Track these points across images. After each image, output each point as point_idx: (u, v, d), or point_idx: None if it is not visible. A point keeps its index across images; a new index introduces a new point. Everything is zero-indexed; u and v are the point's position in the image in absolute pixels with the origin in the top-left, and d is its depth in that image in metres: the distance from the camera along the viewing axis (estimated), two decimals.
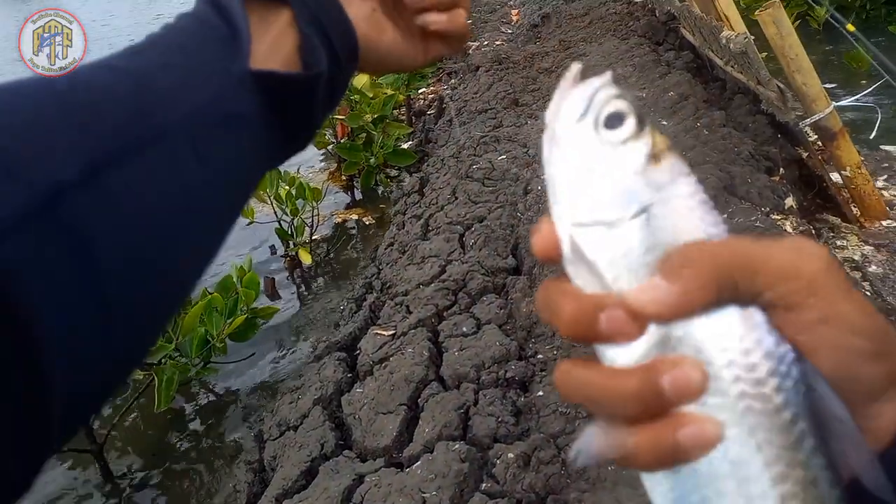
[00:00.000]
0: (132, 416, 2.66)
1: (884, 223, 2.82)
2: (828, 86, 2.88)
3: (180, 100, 0.34)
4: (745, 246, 0.29)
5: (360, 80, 4.46)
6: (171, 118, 0.33)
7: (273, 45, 0.39)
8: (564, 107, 0.32)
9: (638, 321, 0.28)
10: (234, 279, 2.76)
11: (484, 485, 1.65)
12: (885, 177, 3.22)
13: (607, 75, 0.33)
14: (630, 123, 0.31)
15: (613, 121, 0.31)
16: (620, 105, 0.31)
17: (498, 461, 1.69)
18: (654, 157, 0.31)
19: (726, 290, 0.28)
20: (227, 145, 0.36)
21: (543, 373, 2.06)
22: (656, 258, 0.29)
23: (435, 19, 0.49)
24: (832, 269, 0.28)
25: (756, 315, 0.28)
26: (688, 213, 0.30)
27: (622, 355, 0.30)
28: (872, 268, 2.58)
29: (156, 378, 2.31)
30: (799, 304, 0.27)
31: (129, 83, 0.33)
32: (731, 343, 0.28)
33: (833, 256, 0.26)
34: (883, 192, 3.03)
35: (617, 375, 0.28)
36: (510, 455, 1.68)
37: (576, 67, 0.33)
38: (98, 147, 0.29)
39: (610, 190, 0.30)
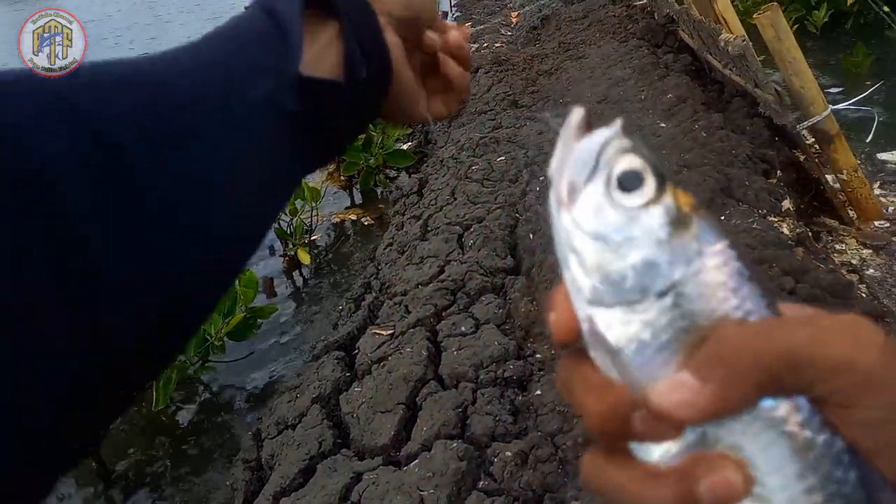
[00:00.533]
0: (130, 413, 2.66)
1: (877, 223, 2.83)
2: (825, 89, 2.90)
3: (235, 93, 0.37)
4: (790, 333, 0.25)
5: None
6: (227, 107, 0.36)
7: (320, 54, 0.41)
8: (570, 164, 0.27)
9: (672, 423, 0.25)
10: None
11: (481, 483, 1.66)
12: (879, 183, 3.23)
13: (617, 124, 0.28)
14: (648, 184, 0.26)
15: (628, 181, 0.26)
16: (635, 162, 0.26)
17: (496, 459, 1.70)
18: (678, 223, 0.26)
19: (768, 387, 0.24)
20: (273, 141, 0.39)
21: (541, 372, 2.07)
22: (688, 342, 0.25)
23: (451, 68, 0.50)
24: (893, 358, 0.24)
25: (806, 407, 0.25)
26: (721, 289, 0.26)
27: (656, 450, 0.26)
28: (870, 271, 2.59)
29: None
30: (855, 400, 0.24)
31: (191, 73, 0.37)
32: None
33: (893, 341, 0.24)
34: (881, 198, 3.05)
35: (650, 479, 0.25)
36: (508, 453, 1.69)
37: (579, 114, 0.28)
38: (160, 122, 0.33)
39: (628, 265, 0.26)
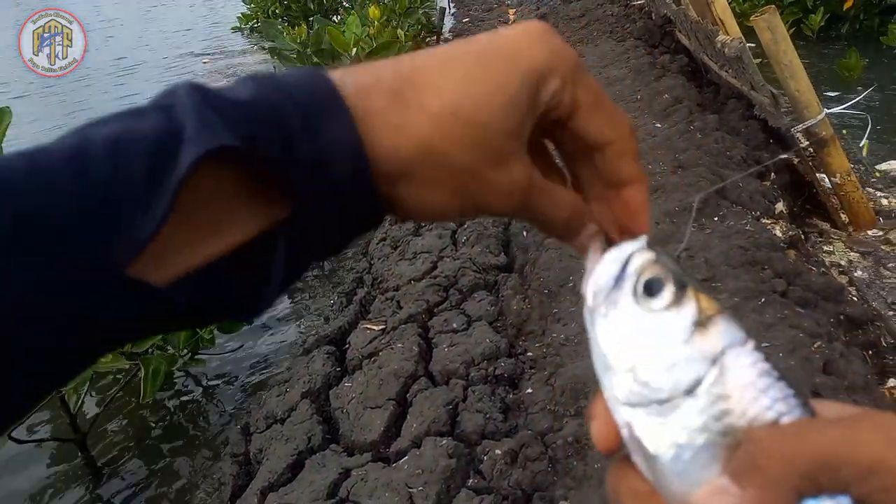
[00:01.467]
0: (117, 406, 2.64)
1: (870, 232, 2.84)
2: (820, 93, 2.91)
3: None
4: (822, 435, 0.25)
5: None
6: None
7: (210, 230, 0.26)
8: (599, 275, 0.30)
9: None
10: None
11: (471, 481, 1.66)
12: (879, 190, 3.25)
13: (642, 239, 0.30)
14: (669, 290, 0.28)
15: (652, 287, 0.28)
16: (657, 270, 0.29)
17: (485, 457, 1.69)
18: (701, 323, 0.28)
19: (807, 489, 0.24)
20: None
21: (532, 370, 2.07)
22: (724, 445, 0.26)
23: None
24: None
25: None
26: (750, 390, 0.27)
27: None
28: (858, 273, 2.60)
29: (142, 368, 2.30)
30: (887, 501, 0.23)
31: None
32: None
33: None
34: (882, 200, 3.06)
35: None
36: (497, 451, 1.69)
37: (602, 238, 0.31)
38: None
39: (656, 363, 0.27)
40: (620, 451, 0.29)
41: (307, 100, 0.26)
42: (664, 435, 0.27)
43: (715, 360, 0.27)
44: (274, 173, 0.25)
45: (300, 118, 0.26)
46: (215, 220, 0.26)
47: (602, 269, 0.30)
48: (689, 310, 0.28)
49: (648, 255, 0.29)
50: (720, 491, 0.25)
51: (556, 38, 0.30)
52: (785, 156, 2.81)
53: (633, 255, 0.29)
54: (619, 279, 0.29)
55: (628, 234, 0.33)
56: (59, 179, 0.23)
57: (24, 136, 6.76)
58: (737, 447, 0.26)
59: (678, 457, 0.27)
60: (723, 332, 0.28)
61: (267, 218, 0.27)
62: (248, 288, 0.28)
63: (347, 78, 0.28)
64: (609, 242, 0.32)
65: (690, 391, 0.27)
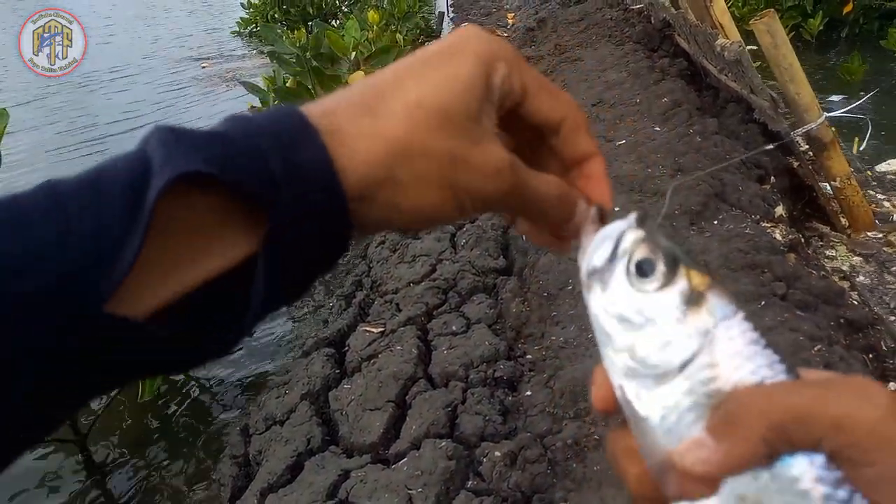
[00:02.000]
0: (116, 406, 2.63)
1: (870, 234, 2.85)
2: (819, 97, 2.91)
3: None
4: (798, 393, 0.26)
5: (356, 78, 4.46)
6: None
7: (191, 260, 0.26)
8: (592, 255, 0.30)
9: (704, 482, 0.27)
10: None
11: (470, 483, 1.65)
12: (878, 192, 3.25)
13: (632, 217, 0.30)
14: (661, 269, 0.29)
15: (643, 268, 0.29)
16: (648, 251, 0.29)
17: (485, 459, 1.69)
18: (693, 301, 0.29)
19: (778, 443, 0.26)
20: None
21: (532, 373, 2.07)
22: (708, 404, 0.28)
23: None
24: None
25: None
26: (737, 359, 0.28)
27: None
28: (860, 278, 2.60)
29: None
30: (865, 457, 0.25)
31: None
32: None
33: None
34: (882, 202, 3.07)
35: None
36: (497, 453, 1.68)
37: (594, 210, 0.32)
38: None
39: (651, 342, 0.29)
40: (619, 416, 0.30)
41: (276, 125, 0.27)
42: (655, 401, 0.28)
43: (707, 335, 0.28)
44: (246, 196, 0.25)
45: (270, 140, 0.26)
46: (192, 250, 0.26)
47: (594, 247, 0.31)
48: (680, 289, 0.29)
49: (638, 234, 0.30)
50: (698, 445, 0.27)
51: (494, 36, 0.32)
52: (770, 146, 2.81)
53: (624, 233, 0.30)
54: (611, 259, 0.30)
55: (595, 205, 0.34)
56: (37, 221, 0.23)
57: (24, 142, 6.77)
58: (718, 407, 0.28)
59: (665, 418, 0.28)
60: (714, 307, 0.29)
61: (244, 247, 0.27)
62: (228, 317, 0.27)
63: (314, 106, 0.29)
64: (602, 217, 0.32)
65: (684, 367, 0.28)
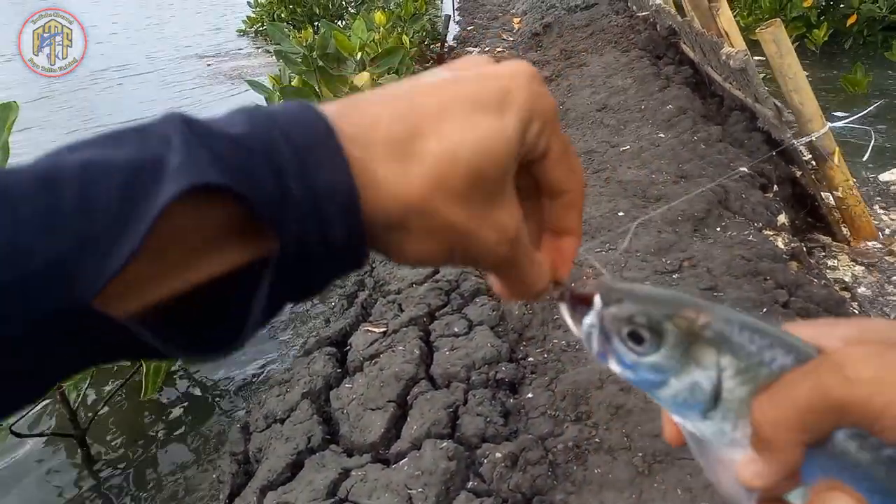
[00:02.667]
0: (117, 402, 2.64)
1: (870, 244, 2.85)
2: (823, 107, 2.92)
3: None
4: (796, 391, 0.28)
5: (362, 79, 4.47)
6: None
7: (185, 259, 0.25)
8: (590, 345, 0.33)
9: (774, 489, 0.29)
10: None
11: (471, 483, 1.66)
12: (880, 204, 3.26)
13: (598, 300, 0.32)
14: (647, 335, 0.31)
15: (634, 338, 0.31)
16: (627, 324, 0.31)
17: (485, 460, 1.69)
18: (690, 341, 0.30)
19: (808, 437, 0.28)
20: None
21: (534, 375, 2.07)
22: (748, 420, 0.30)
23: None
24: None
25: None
26: (753, 361, 0.29)
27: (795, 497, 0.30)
28: (861, 289, 2.61)
29: (144, 365, 2.30)
30: (877, 415, 0.26)
31: None
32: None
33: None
34: (882, 216, 3.07)
35: None
36: (498, 455, 1.69)
37: (559, 291, 0.34)
38: None
39: (678, 390, 0.31)
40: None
41: (302, 140, 0.25)
42: (712, 429, 0.31)
43: (717, 363, 0.30)
44: (261, 212, 0.24)
45: (295, 160, 0.25)
46: (188, 254, 0.25)
47: (587, 337, 0.33)
48: (675, 340, 0.31)
49: (611, 312, 0.32)
50: (750, 461, 0.29)
51: (542, 84, 0.31)
52: (772, 153, 2.82)
53: (602, 317, 0.32)
54: (603, 342, 0.32)
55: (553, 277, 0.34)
56: (25, 204, 0.22)
57: (30, 139, 6.77)
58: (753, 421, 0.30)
59: (725, 441, 0.31)
60: (711, 334, 0.30)
61: (243, 254, 0.26)
62: (216, 323, 0.27)
63: (345, 118, 0.27)
64: (570, 295, 0.34)
65: (717, 394, 0.30)
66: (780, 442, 0.28)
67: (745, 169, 2.86)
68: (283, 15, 9.88)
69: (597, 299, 0.32)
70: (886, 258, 2.76)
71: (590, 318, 0.32)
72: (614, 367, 0.32)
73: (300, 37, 4.62)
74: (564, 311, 0.34)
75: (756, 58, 3.02)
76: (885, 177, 3.40)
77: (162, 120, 0.25)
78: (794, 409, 0.27)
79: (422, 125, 0.27)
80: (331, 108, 0.27)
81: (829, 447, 0.28)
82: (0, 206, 0.22)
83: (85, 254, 0.22)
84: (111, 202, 0.22)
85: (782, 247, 2.55)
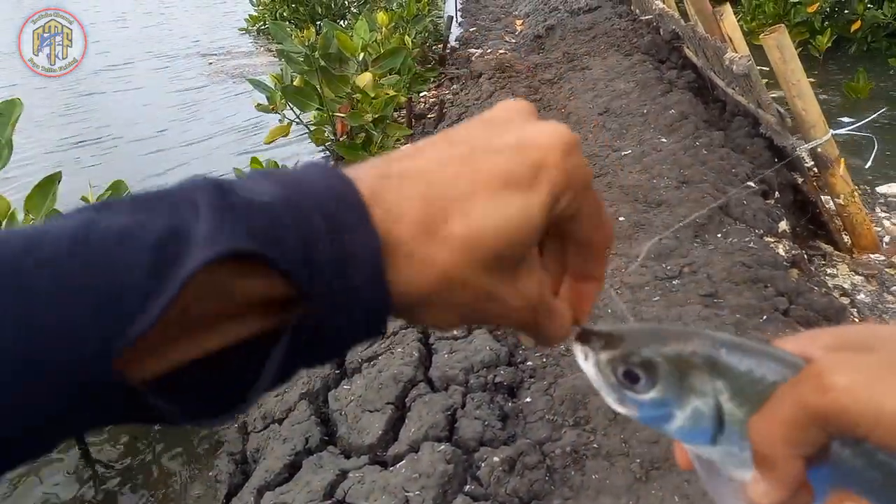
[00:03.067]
0: None
1: (872, 256, 2.85)
2: (826, 114, 2.91)
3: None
4: (784, 407, 0.28)
5: (364, 80, 4.47)
6: None
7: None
8: (593, 382, 0.34)
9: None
10: None
11: (468, 487, 1.65)
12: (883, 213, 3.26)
13: (589, 342, 0.34)
14: (641, 374, 0.32)
15: (630, 380, 0.32)
16: (620, 366, 0.32)
17: (483, 464, 1.69)
18: (683, 374, 0.31)
19: (803, 449, 0.28)
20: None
21: (532, 379, 2.07)
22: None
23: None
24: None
25: None
26: (744, 392, 0.30)
27: None
28: (861, 296, 2.61)
29: None
30: (858, 422, 0.26)
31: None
32: None
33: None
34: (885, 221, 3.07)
35: None
36: (495, 459, 1.68)
37: (575, 331, 0.35)
38: None
39: (683, 423, 0.32)
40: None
41: (334, 212, 0.26)
42: (721, 455, 0.32)
43: (713, 389, 0.31)
44: (289, 280, 0.24)
45: (325, 229, 0.25)
46: (212, 321, 0.25)
47: (590, 375, 0.34)
48: (667, 372, 0.32)
49: (603, 358, 0.33)
50: (756, 480, 0.30)
51: (579, 153, 0.30)
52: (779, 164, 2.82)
53: (597, 361, 0.33)
54: (604, 384, 0.33)
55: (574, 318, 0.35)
56: (60, 266, 0.22)
57: (31, 139, 6.77)
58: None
59: (735, 464, 0.32)
60: (704, 362, 0.31)
61: (263, 323, 0.26)
62: (226, 387, 0.26)
63: (376, 193, 0.27)
64: (581, 334, 0.35)
65: (721, 420, 0.31)
66: (777, 458, 0.28)
67: (752, 184, 2.86)
68: (285, 14, 9.88)
69: (577, 349, 0.33)
70: (887, 270, 2.76)
71: (586, 367, 0.34)
72: (619, 408, 0.33)
73: (302, 36, 4.61)
74: (578, 355, 0.35)
75: (763, 69, 3.01)
76: (882, 189, 3.40)
77: (191, 185, 0.25)
78: (781, 424, 0.28)
79: (452, 206, 0.27)
80: (362, 178, 0.27)
81: (833, 458, 0.28)
82: (35, 269, 0.22)
83: (111, 317, 0.22)
84: (141, 270, 0.23)
85: (783, 254, 2.54)
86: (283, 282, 0.25)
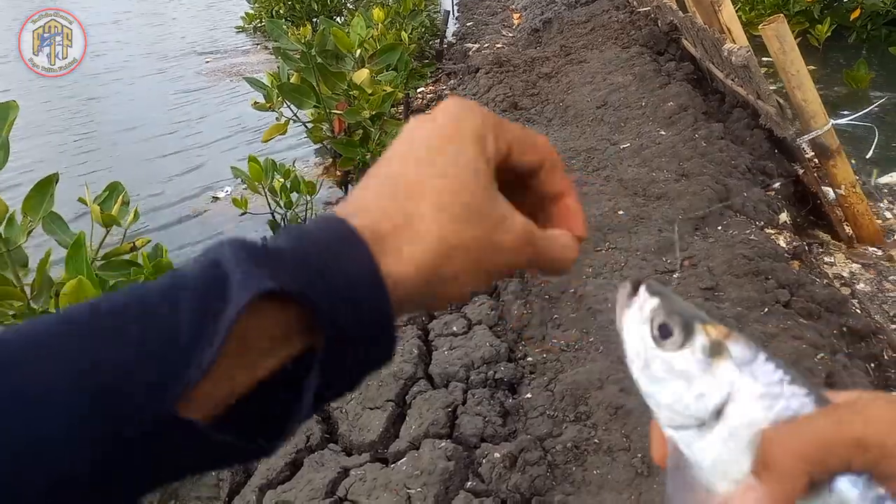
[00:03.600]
0: None
1: (869, 249, 2.83)
2: (826, 104, 2.90)
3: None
4: (820, 422, 0.29)
5: (360, 76, 4.45)
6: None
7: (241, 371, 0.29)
8: (625, 328, 0.35)
9: None
10: None
11: (469, 483, 1.65)
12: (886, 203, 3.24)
13: (643, 289, 0.35)
14: (677, 330, 0.32)
15: (664, 331, 0.33)
16: (664, 315, 0.33)
17: (484, 461, 1.68)
18: (714, 352, 0.32)
19: (815, 473, 0.28)
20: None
21: (532, 375, 2.06)
22: (751, 445, 0.30)
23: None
24: None
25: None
26: (766, 399, 0.30)
27: None
28: (861, 286, 2.59)
29: None
30: (893, 470, 0.27)
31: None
32: None
33: None
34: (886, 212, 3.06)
35: None
36: (496, 455, 1.68)
37: (627, 285, 0.35)
38: None
39: (684, 395, 0.32)
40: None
41: (333, 244, 0.30)
42: (704, 449, 0.31)
43: (733, 382, 0.31)
44: (308, 306, 0.29)
45: (327, 255, 0.30)
46: (255, 354, 0.29)
47: (625, 320, 0.35)
48: (700, 343, 0.32)
49: (654, 302, 0.34)
50: (748, 488, 0.30)
51: (474, 106, 0.35)
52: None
53: (644, 304, 0.34)
54: (640, 328, 0.34)
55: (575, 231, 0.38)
56: (121, 325, 0.26)
57: (28, 140, 6.77)
58: (756, 449, 0.30)
59: (716, 463, 0.31)
60: (735, 354, 0.31)
61: (294, 347, 0.30)
62: (269, 422, 0.30)
63: (357, 215, 0.32)
64: (634, 287, 0.35)
65: (720, 413, 0.31)
66: (789, 470, 0.28)
67: (773, 191, 2.84)
68: (281, 11, 9.85)
69: (643, 287, 0.34)
70: (884, 262, 2.75)
71: (632, 308, 0.34)
72: (633, 358, 0.34)
73: (299, 33, 4.59)
74: (621, 294, 0.35)
75: (766, 59, 3.00)
76: (884, 179, 3.39)
77: (220, 247, 0.30)
78: (813, 441, 0.28)
79: (410, 192, 0.32)
80: (347, 211, 0.32)
81: (832, 488, 0.29)
82: (105, 330, 0.26)
83: (174, 364, 0.26)
84: (192, 316, 0.27)
85: (784, 246, 2.53)
86: (299, 308, 0.29)
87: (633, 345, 0.34)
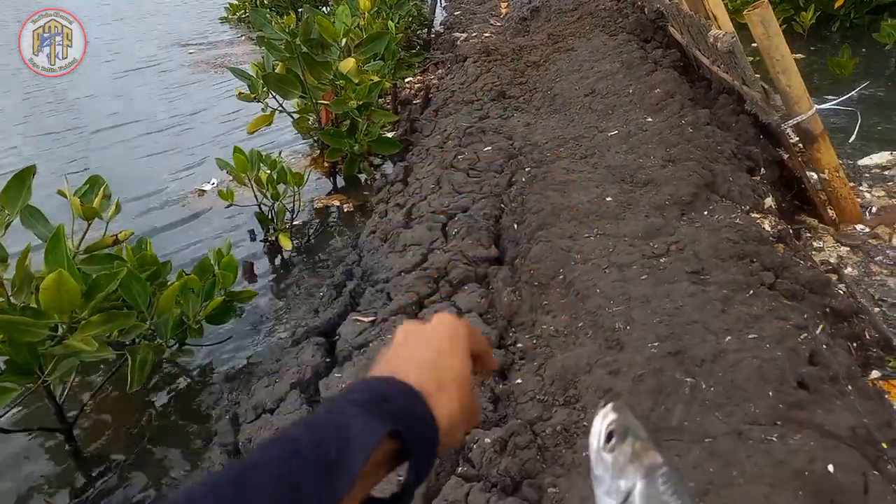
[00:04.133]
0: (104, 395, 2.62)
1: (857, 227, 2.86)
2: (810, 90, 2.91)
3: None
4: None
5: (346, 65, 4.42)
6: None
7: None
8: (593, 433, 0.51)
9: None
10: (212, 262, 2.72)
11: (460, 468, 1.66)
12: (866, 186, 3.27)
13: (615, 405, 0.51)
14: (615, 439, 0.49)
15: (608, 437, 0.49)
16: (613, 426, 0.49)
17: (474, 446, 1.69)
18: (633, 458, 0.48)
19: None
20: None
21: (522, 361, 2.07)
22: None
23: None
24: None
25: None
26: (654, 500, 0.46)
27: None
28: (848, 269, 2.62)
29: (129, 358, 2.27)
30: None
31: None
32: None
33: None
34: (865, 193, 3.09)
35: None
36: (487, 440, 1.69)
37: (603, 405, 0.52)
38: None
39: (609, 482, 0.48)
40: None
41: (404, 399, 0.48)
42: None
43: (636, 482, 0.47)
44: (402, 440, 0.45)
45: (413, 411, 0.48)
46: (369, 476, 0.44)
47: (594, 428, 0.51)
48: (626, 450, 0.48)
49: (612, 416, 0.50)
50: None
51: (464, 323, 0.59)
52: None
53: (606, 415, 0.51)
54: (599, 431, 0.51)
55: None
56: (296, 460, 0.41)
57: (17, 136, 6.67)
58: None
59: None
60: (646, 463, 0.47)
61: (386, 472, 0.46)
62: None
63: (422, 386, 0.50)
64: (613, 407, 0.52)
65: (628, 495, 0.47)
66: None
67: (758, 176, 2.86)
68: (265, 1, 9.76)
69: (611, 405, 0.51)
70: (870, 241, 2.77)
71: (603, 414, 0.51)
72: (592, 456, 0.50)
73: (283, 22, 4.55)
74: (596, 422, 0.51)
75: (753, 47, 3.00)
76: (864, 161, 3.41)
77: (338, 399, 0.47)
78: None
79: (443, 373, 0.53)
80: (382, 371, 0.52)
81: None
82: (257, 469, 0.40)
83: (326, 488, 0.40)
84: (333, 455, 0.41)
85: (769, 229, 2.55)
86: (393, 441, 0.45)
87: (593, 441, 0.50)
